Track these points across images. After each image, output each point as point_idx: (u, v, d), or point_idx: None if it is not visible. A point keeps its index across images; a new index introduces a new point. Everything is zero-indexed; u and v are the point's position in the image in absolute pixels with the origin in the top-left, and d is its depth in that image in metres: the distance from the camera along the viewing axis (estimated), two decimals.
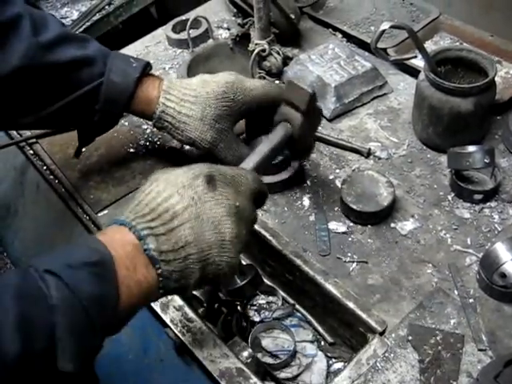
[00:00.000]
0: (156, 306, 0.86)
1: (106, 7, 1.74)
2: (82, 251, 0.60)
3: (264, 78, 1.22)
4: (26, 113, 0.91)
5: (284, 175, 0.99)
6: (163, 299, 0.86)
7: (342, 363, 0.89)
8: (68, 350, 0.53)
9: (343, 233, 0.92)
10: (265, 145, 0.85)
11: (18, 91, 0.88)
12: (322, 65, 1.16)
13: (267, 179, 0.98)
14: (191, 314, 0.85)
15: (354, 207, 0.92)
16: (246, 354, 0.85)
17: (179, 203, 0.64)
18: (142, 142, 1.13)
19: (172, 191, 0.64)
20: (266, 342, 0.92)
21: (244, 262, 0.99)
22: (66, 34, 0.91)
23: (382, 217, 0.93)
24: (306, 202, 0.98)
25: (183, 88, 0.95)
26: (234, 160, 0.94)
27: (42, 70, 0.87)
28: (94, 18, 1.70)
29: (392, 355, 0.77)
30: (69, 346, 0.53)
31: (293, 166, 1.00)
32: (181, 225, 0.63)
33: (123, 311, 0.59)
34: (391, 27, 0.92)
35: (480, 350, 0.76)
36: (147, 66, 0.96)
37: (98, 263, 0.58)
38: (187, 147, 1.11)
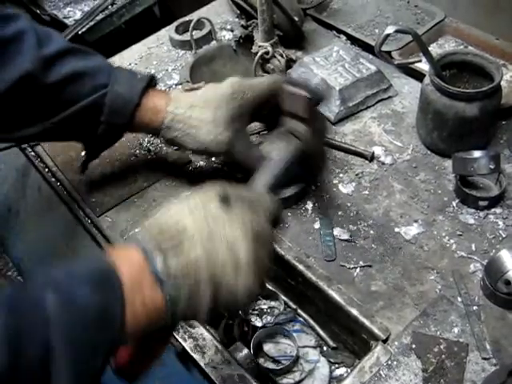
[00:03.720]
0: None
1: (109, 7, 1.73)
2: (84, 263, 0.58)
3: None
4: (29, 124, 0.90)
5: (288, 192, 0.97)
6: None
7: (345, 369, 0.89)
8: (64, 369, 0.49)
9: (346, 240, 0.92)
10: (276, 164, 0.81)
11: (21, 103, 0.88)
12: (326, 67, 1.15)
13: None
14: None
15: None
16: (247, 359, 0.84)
17: (191, 223, 0.61)
18: (145, 145, 1.13)
19: (184, 212, 0.62)
20: (268, 348, 0.92)
21: None
22: (70, 47, 0.90)
23: None
24: (309, 206, 0.98)
25: (191, 95, 0.93)
26: (252, 161, 0.91)
27: (45, 81, 0.87)
28: (97, 18, 1.70)
29: (395, 363, 0.76)
30: (65, 363, 0.49)
31: (299, 185, 0.98)
32: (192, 245, 0.59)
33: (128, 330, 0.55)
34: (396, 31, 0.91)
35: (484, 358, 0.76)
36: (153, 78, 0.95)
37: (100, 273, 0.55)
38: None
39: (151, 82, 0.95)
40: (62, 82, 0.88)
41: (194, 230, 0.60)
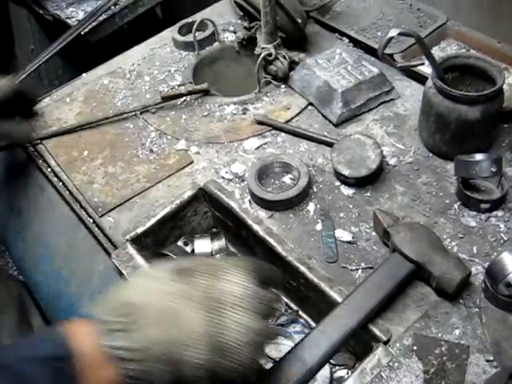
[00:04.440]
0: None
1: (112, 8, 1.73)
2: (43, 344, 0.58)
3: (270, 82, 1.22)
4: None
5: (290, 193, 0.97)
6: None
7: (346, 370, 0.89)
8: None
9: (348, 242, 0.92)
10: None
11: None
12: (329, 69, 1.15)
13: (270, 196, 0.97)
14: None
15: (346, 174, 0.97)
16: None
17: (145, 296, 0.61)
18: (148, 145, 1.13)
19: (141, 285, 0.63)
20: (269, 349, 0.92)
21: None
22: None
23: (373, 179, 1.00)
24: (311, 207, 0.98)
25: None
26: None
27: None
28: (100, 19, 1.70)
29: (396, 365, 0.77)
30: None
31: (300, 185, 0.98)
32: (144, 319, 0.59)
33: None
34: (399, 34, 0.91)
35: (485, 360, 0.76)
36: None
37: (58, 358, 0.56)
38: (194, 150, 1.10)
39: None
40: None
41: (148, 304, 0.60)
